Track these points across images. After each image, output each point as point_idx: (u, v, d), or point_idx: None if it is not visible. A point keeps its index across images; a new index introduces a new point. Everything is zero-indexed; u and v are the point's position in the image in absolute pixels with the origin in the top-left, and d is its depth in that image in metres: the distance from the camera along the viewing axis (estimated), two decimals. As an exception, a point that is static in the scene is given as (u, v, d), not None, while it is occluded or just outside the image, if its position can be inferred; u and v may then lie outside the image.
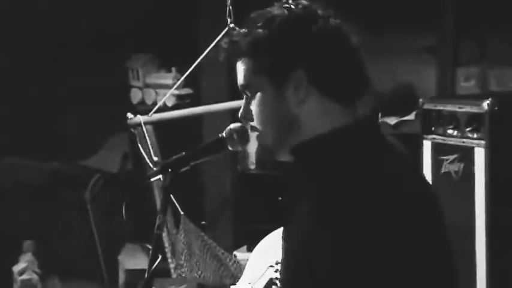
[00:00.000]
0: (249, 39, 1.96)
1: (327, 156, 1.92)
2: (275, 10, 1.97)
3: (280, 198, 4.63)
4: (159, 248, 2.07)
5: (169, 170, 2.12)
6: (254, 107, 1.99)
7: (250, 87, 1.99)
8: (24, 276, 4.71)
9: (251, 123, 2.02)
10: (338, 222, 1.79)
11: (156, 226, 2.10)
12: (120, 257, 5.07)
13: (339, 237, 1.78)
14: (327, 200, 1.84)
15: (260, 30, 1.95)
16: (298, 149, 1.96)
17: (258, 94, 1.97)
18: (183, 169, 2.13)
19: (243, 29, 1.98)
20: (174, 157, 2.15)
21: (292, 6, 1.97)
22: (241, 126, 2.14)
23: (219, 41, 4.17)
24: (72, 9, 5.04)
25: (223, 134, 2.14)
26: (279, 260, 3.12)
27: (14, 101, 5.09)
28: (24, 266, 4.73)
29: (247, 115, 2.02)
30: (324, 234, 1.80)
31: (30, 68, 5.07)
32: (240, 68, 2.00)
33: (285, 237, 2.04)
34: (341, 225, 1.78)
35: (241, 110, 2.04)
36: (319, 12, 1.96)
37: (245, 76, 1.99)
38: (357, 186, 1.83)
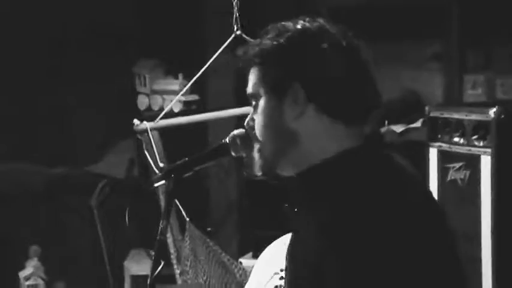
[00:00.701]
0: (257, 49, 1.96)
1: (331, 183, 1.91)
2: (289, 24, 1.96)
3: (286, 205, 4.65)
4: (162, 254, 2.07)
5: (173, 175, 2.12)
6: (257, 120, 1.98)
7: (255, 97, 1.98)
8: (31, 282, 4.73)
9: (254, 132, 2.01)
10: (348, 245, 1.79)
11: (159, 231, 2.09)
12: (126, 263, 5.09)
13: (349, 256, 1.78)
14: (334, 222, 1.83)
15: (269, 42, 1.95)
16: (302, 175, 1.95)
17: (260, 104, 1.97)
18: (187, 174, 2.13)
19: (257, 40, 1.98)
20: (177, 162, 2.15)
21: (307, 23, 1.96)
22: (244, 132, 2.13)
23: (225, 48, 4.20)
24: (79, 14, 5.05)
25: (227, 140, 2.14)
26: (283, 268, 3.13)
27: (21, 106, 5.10)
28: (30, 272, 4.74)
29: (252, 123, 2.01)
30: (334, 253, 1.80)
31: (37, 73, 5.07)
32: (250, 76, 1.99)
33: (292, 252, 2.01)
34: (352, 249, 1.78)
35: (247, 118, 2.03)
36: (333, 31, 1.95)
37: (253, 85, 1.99)
38: (365, 209, 1.82)
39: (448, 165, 3.56)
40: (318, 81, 1.91)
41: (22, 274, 4.74)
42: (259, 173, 4.60)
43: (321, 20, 1.97)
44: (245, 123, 2.05)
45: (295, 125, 1.92)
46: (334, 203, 1.86)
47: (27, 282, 4.72)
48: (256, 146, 2.01)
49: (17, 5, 4.97)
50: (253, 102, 1.99)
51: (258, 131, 1.98)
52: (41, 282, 4.74)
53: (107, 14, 5.08)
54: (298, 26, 1.95)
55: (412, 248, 1.81)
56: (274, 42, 1.93)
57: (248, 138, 2.11)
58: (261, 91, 1.96)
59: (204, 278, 4.19)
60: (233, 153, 2.15)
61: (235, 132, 2.15)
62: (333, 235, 1.81)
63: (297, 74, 1.91)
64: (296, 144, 1.93)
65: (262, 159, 2.00)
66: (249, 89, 2.00)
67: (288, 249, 2.04)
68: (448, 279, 1.87)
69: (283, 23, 1.98)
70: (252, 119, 2.00)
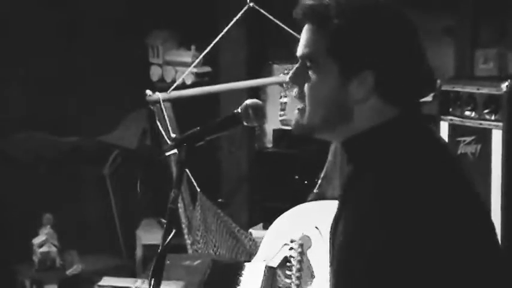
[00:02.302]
0: (335, 20, 1.87)
1: (376, 150, 1.88)
2: (366, 1, 1.90)
3: (296, 177, 4.64)
4: (173, 222, 2.03)
5: (184, 144, 2.10)
6: (311, 82, 1.91)
7: (314, 62, 1.90)
8: (44, 249, 4.75)
9: (298, 91, 1.94)
10: (394, 222, 1.74)
11: (170, 200, 2.07)
12: (138, 232, 5.11)
13: (395, 236, 1.73)
14: (379, 198, 1.79)
15: (346, 20, 1.86)
16: (349, 142, 1.93)
17: (320, 73, 1.90)
18: (198, 144, 2.10)
19: (330, 3, 1.88)
20: (189, 132, 2.12)
21: (380, 3, 1.90)
22: (256, 103, 2.12)
23: (237, 19, 4.18)
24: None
25: (239, 110, 2.12)
26: (294, 239, 3.13)
27: (36, 76, 5.10)
28: (43, 239, 4.77)
29: (298, 81, 1.94)
30: (373, 240, 1.74)
31: (50, 41, 5.07)
32: (310, 35, 1.91)
33: (335, 234, 1.96)
34: (397, 226, 1.73)
35: (291, 73, 1.95)
36: (405, 14, 1.90)
37: (314, 49, 1.90)
38: (406, 185, 1.78)
39: (459, 139, 3.55)
40: (389, 73, 1.86)
41: (35, 241, 4.76)
42: (270, 144, 4.61)
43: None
44: (290, 78, 1.97)
45: (354, 106, 1.87)
46: (379, 174, 1.83)
47: (40, 249, 4.74)
48: (300, 106, 1.95)
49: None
50: (305, 62, 1.92)
51: (312, 99, 1.91)
52: (53, 249, 4.76)
53: None
54: (376, 5, 1.88)
55: (459, 227, 1.78)
56: (346, 20, 1.85)
57: (260, 109, 2.11)
58: (325, 62, 1.89)
59: (215, 248, 4.20)
60: (245, 124, 2.12)
61: (248, 102, 2.12)
62: (378, 207, 1.77)
63: (372, 63, 1.85)
64: (348, 122, 1.89)
65: (306, 122, 1.94)
66: (307, 51, 1.92)
67: (332, 228, 1.98)
68: (488, 260, 1.83)
69: None
70: (298, 76, 1.93)
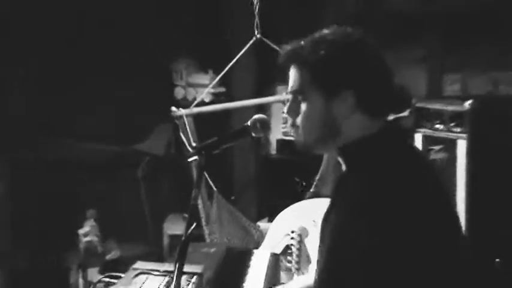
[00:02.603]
0: (312, 56, 1.90)
1: (367, 156, 1.89)
2: (334, 35, 1.92)
3: (297, 180, 4.62)
4: (194, 216, 2.04)
5: (203, 152, 2.10)
6: (303, 111, 1.93)
7: (303, 93, 1.92)
8: (88, 238, 4.77)
9: (291, 123, 1.98)
10: (376, 212, 1.77)
11: (191, 198, 2.07)
12: (165, 225, 5.11)
13: (377, 224, 1.75)
14: (365, 193, 1.81)
15: (322, 53, 1.88)
16: (345, 149, 1.93)
17: (308, 102, 1.92)
18: (215, 151, 2.10)
19: (306, 45, 1.93)
20: (207, 141, 2.12)
21: (347, 34, 1.92)
22: (262, 117, 2.12)
23: (247, 49, 4.17)
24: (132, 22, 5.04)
25: (248, 123, 2.12)
26: (294, 230, 3.11)
27: (88, 100, 5.11)
28: (87, 230, 4.79)
29: (293, 112, 1.96)
30: (365, 221, 1.76)
31: (98, 73, 5.07)
32: (294, 73, 1.95)
33: (330, 215, 1.96)
34: (379, 215, 1.76)
35: (287, 107, 1.98)
36: (368, 41, 1.92)
37: (300, 84, 1.93)
38: (390, 182, 1.81)
39: (430, 148, 3.56)
40: (365, 90, 1.88)
41: (81, 232, 4.78)
42: (274, 152, 4.53)
43: (356, 30, 1.94)
44: (285, 111, 2.00)
45: (341, 123, 1.90)
46: (365, 179, 1.85)
47: (85, 239, 4.76)
48: (297, 130, 1.96)
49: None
50: (296, 96, 1.94)
51: (304, 123, 1.94)
52: (95, 238, 4.79)
53: (152, 21, 5.07)
54: (343, 36, 1.91)
55: (430, 216, 1.81)
56: (326, 53, 1.88)
57: (266, 123, 2.11)
58: (310, 91, 1.91)
59: (228, 238, 4.19)
60: (253, 135, 2.13)
61: (256, 116, 2.12)
62: (363, 201, 1.79)
63: (350, 82, 1.87)
64: (338, 135, 1.91)
65: (303, 141, 1.96)
66: (295, 86, 1.95)
67: (327, 213, 1.98)
68: (455, 236, 1.88)
69: (325, 31, 1.93)
70: (293, 109, 1.96)
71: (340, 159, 1.99)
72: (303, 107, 1.92)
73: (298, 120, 1.94)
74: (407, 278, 1.74)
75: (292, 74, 1.94)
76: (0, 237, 4.87)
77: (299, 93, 1.93)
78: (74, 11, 4.89)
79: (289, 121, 1.99)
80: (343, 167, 1.99)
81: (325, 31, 1.93)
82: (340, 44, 1.89)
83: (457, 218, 1.93)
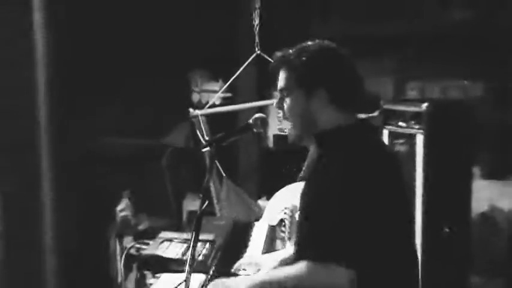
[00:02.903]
0: (296, 61, 1.93)
1: (341, 141, 1.92)
2: (314, 46, 1.95)
3: (287, 167, 4.61)
4: (207, 196, 2.07)
5: (214, 144, 2.11)
6: (288, 104, 1.96)
7: (287, 91, 1.95)
8: (123, 213, 4.72)
9: (282, 114, 2.00)
10: (342, 178, 1.82)
11: (205, 181, 2.10)
12: (184, 202, 5.07)
13: (341, 185, 1.80)
14: (336, 167, 1.85)
15: (304, 58, 1.91)
16: (319, 136, 1.96)
17: (292, 97, 1.94)
18: (223, 144, 2.11)
19: (292, 53, 1.95)
20: (217, 136, 2.14)
21: (326, 45, 1.95)
22: (262, 116, 2.13)
23: (249, 63, 4.18)
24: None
25: (250, 121, 2.13)
26: (287, 206, 3.12)
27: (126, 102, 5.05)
28: (123, 207, 4.72)
29: (281, 106, 1.99)
30: (333, 182, 1.82)
31: (134, 76, 4.96)
32: (282, 75, 1.97)
33: (307, 186, 2.01)
34: (343, 179, 1.81)
35: (276, 102, 2.01)
36: (341, 51, 1.95)
37: (285, 83, 1.96)
38: (355, 159, 1.85)
39: (395, 141, 3.51)
40: (338, 88, 1.91)
41: (118, 208, 4.73)
42: (271, 144, 4.54)
43: (330, 42, 1.97)
44: (275, 105, 2.03)
45: (317, 116, 1.92)
46: (336, 156, 1.88)
47: (121, 214, 4.71)
48: (289, 123, 2.00)
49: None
50: (283, 94, 1.97)
51: (290, 115, 1.96)
52: (129, 213, 4.73)
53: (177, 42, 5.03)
54: (322, 47, 1.94)
55: (386, 193, 1.85)
56: (307, 59, 1.91)
57: (265, 120, 2.12)
58: (293, 89, 1.94)
59: (234, 213, 4.19)
60: (255, 130, 2.13)
61: (257, 115, 2.14)
62: (334, 178, 1.83)
63: (323, 82, 1.90)
64: (316, 125, 1.93)
65: (293, 133, 1.99)
66: (281, 84, 1.97)
67: (303, 188, 2.02)
68: (402, 202, 1.93)
69: (308, 43, 1.96)
70: (281, 104, 1.98)
71: (316, 145, 2.01)
72: (288, 101, 1.96)
73: (285, 111, 1.97)
74: (366, 214, 1.79)
75: (281, 75, 1.98)
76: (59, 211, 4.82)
77: (285, 90, 1.96)
78: (114, 28, 4.82)
79: (281, 114, 2.02)
80: (316, 152, 2.01)
81: (309, 43, 1.97)
82: (318, 52, 1.93)
83: (406, 190, 1.97)
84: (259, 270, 2.26)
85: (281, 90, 1.99)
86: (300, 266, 1.81)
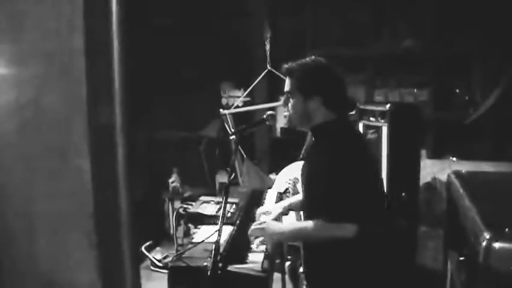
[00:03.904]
0: (298, 72, 1.89)
1: (329, 132, 1.89)
2: (311, 61, 1.90)
3: (292, 150, 4.59)
4: (232, 171, 2.06)
5: (237, 134, 2.10)
6: (291, 103, 1.92)
7: (291, 93, 1.92)
8: (173, 184, 4.73)
9: (287, 110, 1.96)
10: (331, 158, 1.79)
11: (231, 160, 2.10)
12: (216, 176, 5.05)
13: (331, 163, 1.78)
14: (327, 150, 1.82)
15: (304, 70, 1.88)
16: (314, 128, 1.92)
17: (294, 99, 1.91)
18: (244, 133, 2.10)
19: (295, 65, 1.90)
20: (239, 127, 2.12)
21: (319, 61, 1.91)
22: (272, 113, 2.10)
23: (262, 77, 4.16)
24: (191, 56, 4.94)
25: (264, 117, 2.11)
26: (291, 178, 3.12)
27: (169, 100, 5.00)
28: (173, 179, 4.74)
29: (286, 104, 1.95)
30: (325, 161, 1.79)
31: (183, 85, 4.93)
32: (287, 81, 1.94)
33: (306, 165, 1.98)
34: (332, 159, 1.79)
35: (282, 101, 1.98)
36: (331, 66, 1.91)
37: (290, 88, 1.92)
38: (340, 144, 1.82)
39: (368, 131, 3.47)
40: (330, 95, 1.87)
41: (170, 180, 4.74)
42: (279, 134, 4.47)
43: (322, 59, 1.92)
44: (282, 103, 2.00)
45: (313, 114, 1.89)
46: (326, 144, 1.85)
47: (172, 184, 4.72)
48: (288, 116, 1.96)
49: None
50: (288, 95, 1.93)
51: (292, 111, 1.93)
52: (178, 184, 4.74)
53: (212, 61, 4.98)
54: (316, 63, 1.90)
55: (362, 168, 1.83)
56: (305, 72, 1.87)
57: (274, 116, 2.10)
58: (295, 93, 1.90)
59: (253, 184, 4.19)
60: (267, 123, 2.11)
61: (268, 112, 2.11)
62: (326, 158, 1.81)
63: (318, 91, 1.86)
64: (311, 120, 1.90)
65: (291, 123, 1.95)
66: (287, 88, 1.93)
67: (303, 166, 1.99)
68: (372, 176, 1.89)
69: (307, 59, 1.91)
70: (286, 103, 1.95)
71: (312, 135, 2.00)
72: (291, 101, 1.95)
73: (289, 108, 1.94)
74: (353, 182, 1.77)
75: (286, 81, 1.95)
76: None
77: (289, 93, 1.94)
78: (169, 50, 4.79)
79: (286, 110, 1.99)
80: (313, 140, 2.00)
81: (307, 59, 1.93)
82: (314, 66, 1.89)
83: (378, 169, 1.96)
84: (270, 214, 2.25)
85: (286, 92, 1.99)
86: (316, 223, 1.81)
